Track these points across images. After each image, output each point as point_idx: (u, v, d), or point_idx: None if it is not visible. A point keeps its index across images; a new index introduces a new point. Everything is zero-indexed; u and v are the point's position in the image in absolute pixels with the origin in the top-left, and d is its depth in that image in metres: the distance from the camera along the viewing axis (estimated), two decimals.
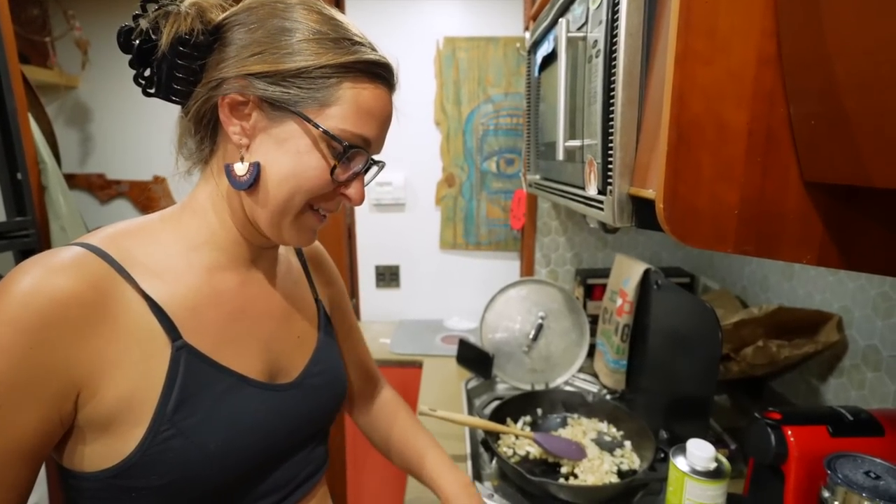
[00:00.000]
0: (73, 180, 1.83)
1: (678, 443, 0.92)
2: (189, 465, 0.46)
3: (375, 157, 0.55)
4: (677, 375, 0.96)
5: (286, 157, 0.48)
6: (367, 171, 0.54)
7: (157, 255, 0.49)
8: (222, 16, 0.50)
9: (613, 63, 0.63)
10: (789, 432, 0.68)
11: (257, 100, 0.48)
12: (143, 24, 0.46)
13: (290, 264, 0.65)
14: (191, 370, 0.47)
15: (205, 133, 0.52)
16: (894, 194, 0.49)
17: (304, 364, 0.59)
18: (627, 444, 1.01)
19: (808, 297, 1.06)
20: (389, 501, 1.59)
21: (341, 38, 0.48)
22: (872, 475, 0.59)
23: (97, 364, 0.43)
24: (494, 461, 0.98)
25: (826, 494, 0.60)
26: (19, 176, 0.98)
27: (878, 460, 0.61)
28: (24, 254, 1.02)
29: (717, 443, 0.94)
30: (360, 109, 0.49)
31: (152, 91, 0.50)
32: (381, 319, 1.84)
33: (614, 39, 0.62)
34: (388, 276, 1.81)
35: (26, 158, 1.00)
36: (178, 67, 0.48)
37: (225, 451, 0.48)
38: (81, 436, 0.44)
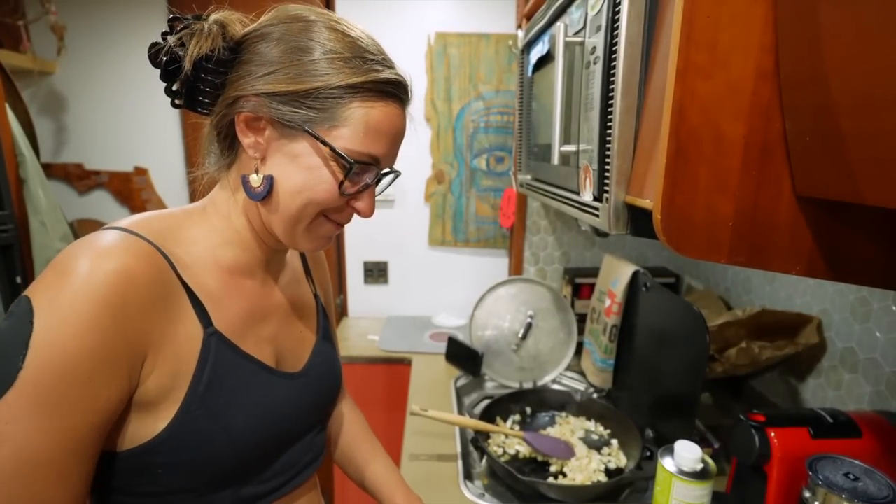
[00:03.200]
0: (49, 170, 1.77)
1: (664, 441, 0.94)
2: (213, 443, 0.48)
3: (392, 167, 0.58)
4: (664, 376, 0.99)
5: (298, 171, 0.51)
6: (377, 182, 0.56)
7: (186, 247, 0.51)
8: (244, 31, 0.51)
9: (612, 71, 0.63)
10: (772, 434, 0.71)
11: (270, 118, 0.50)
12: (171, 41, 0.49)
13: (294, 263, 0.68)
14: (220, 355, 0.50)
15: (224, 144, 0.54)
16: (882, 210, 0.50)
17: (307, 357, 0.63)
18: (614, 442, 1.03)
19: (789, 300, 1.09)
20: None
21: (353, 57, 0.49)
22: (851, 477, 0.61)
23: (158, 339, 0.45)
24: (484, 460, 0.99)
25: (807, 495, 0.63)
26: None
27: (857, 462, 0.63)
28: (2, 249, 0.98)
29: (701, 441, 0.97)
30: (368, 128, 0.50)
31: (180, 103, 0.52)
32: (368, 315, 1.83)
33: (614, 47, 0.62)
34: (376, 272, 1.80)
35: (4, 150, 0.96)
36: (202, 82, 0.51)
37: (245, 432, 0.51)
38: (125, 413, 0.46)
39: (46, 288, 0.41)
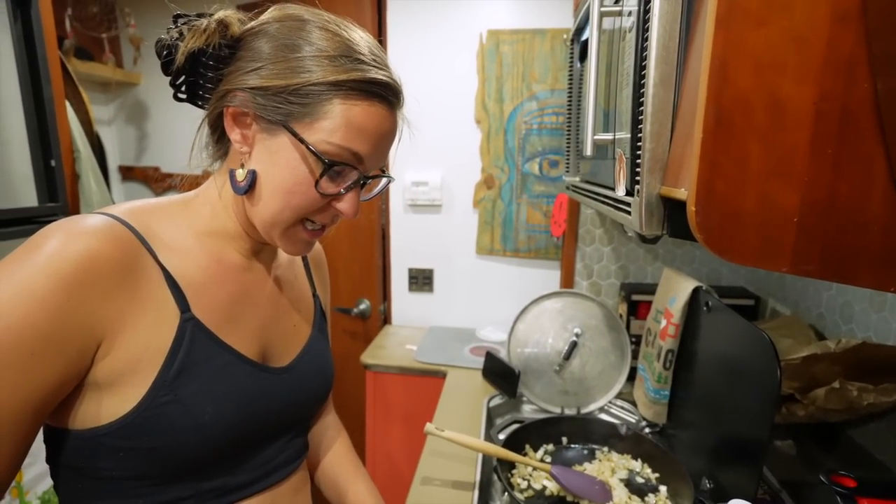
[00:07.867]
0: (130, 172, 1.93)
1: (723, 494, 0.77)
2: (179, 431, 0.48)
3: (387, 173, 0.58)
4: (727, 414, 0.82)
5: (277, 168, 0.50)
6: (363, 185, 0.54)
7: (171, 233, 0.52)
8: (243, 28, 0.52)
9: (646, 35, 0.52)
10: None
11: (255, 113, 0.50)
12: (167, 37, 0.50)
13: (294, 258, 0.68)
14: (194, 342, 0.49)
15: (215, 137, 0.56)
16: None
17: (296, 352, 0.62)
18: (663, 489, 0.87)
19: None
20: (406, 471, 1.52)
21: (341, 56, 0.49)
22: None
23: (117, 323, 0.45)
24: (506, 493, 0.87)
25: None
26: (53, 163, 1.01)
27: None
28: None
29: (773, 501, 0.78)
30: (349, 125, 0.49)
31: (182, 97, 0.54)
32: (411, 324, 1.77)
33: (648, 6, 0.51)
34: (421, 280, 1.75)
35: (60, 146, 1.03)
36: (200, 77, 0.52)
37: (215, 422, 0.50)
38: (82, 393, 0.46)
39: (13, 261, 0.42)
